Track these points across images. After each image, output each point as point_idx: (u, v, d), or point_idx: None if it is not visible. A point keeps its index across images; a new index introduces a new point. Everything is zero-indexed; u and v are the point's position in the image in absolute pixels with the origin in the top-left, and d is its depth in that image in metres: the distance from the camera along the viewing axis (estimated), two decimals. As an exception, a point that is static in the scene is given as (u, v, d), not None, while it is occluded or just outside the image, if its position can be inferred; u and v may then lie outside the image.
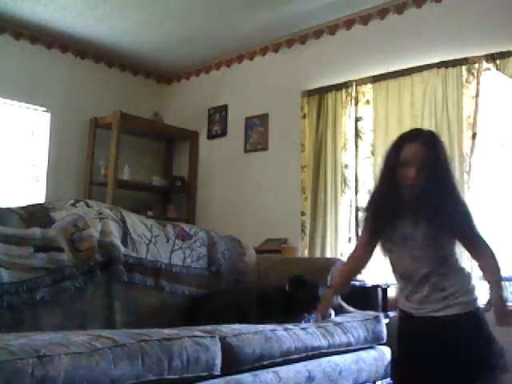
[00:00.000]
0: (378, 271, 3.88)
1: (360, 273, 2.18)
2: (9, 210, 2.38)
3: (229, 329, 2.16)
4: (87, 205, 2.67)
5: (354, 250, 2.20)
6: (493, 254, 1.88)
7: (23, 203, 2.54)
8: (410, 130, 2.03)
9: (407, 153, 1.88)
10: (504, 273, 1.90)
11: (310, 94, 4.53)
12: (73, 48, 5.09)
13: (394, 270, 1.99)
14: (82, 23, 4.63)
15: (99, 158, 5.06)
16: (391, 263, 1.99)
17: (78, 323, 2.27)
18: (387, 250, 1.97)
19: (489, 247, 1.89)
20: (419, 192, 1.85)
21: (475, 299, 1.90)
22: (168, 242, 2.87)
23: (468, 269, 2.01)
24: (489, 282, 1.88)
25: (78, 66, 5.15)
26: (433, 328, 1.86)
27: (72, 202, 2.65)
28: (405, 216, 1.88)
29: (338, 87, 4.35)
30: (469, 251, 1.94)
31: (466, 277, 1.93)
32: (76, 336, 1.68)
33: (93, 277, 2.43)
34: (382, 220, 1.92)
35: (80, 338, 1.65)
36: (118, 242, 2.59)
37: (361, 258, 2.15)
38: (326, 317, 2.49)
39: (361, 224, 2.12)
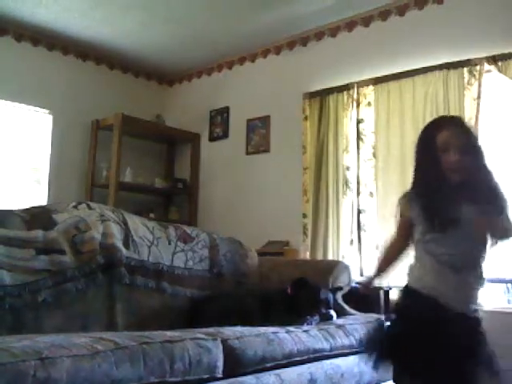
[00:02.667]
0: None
1: (400, 262, 2.09)
2: (11, 212, 2.38)
3: (231, 331, 2.16)
4: (89, 207, 2.67)
5: (394, 239, 2.09)
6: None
7: (25, 205, 2.54)
8: (441, 117, 2.07)
9: (443, 138, 1.87)
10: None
11: (311, 95, 4.53)
12: (74, 50, 5.10)
13: (437, 257, 1.90)
14: (83, 25, 4.64)
15: (101, 160, 5.06)
16: (432, 251, 1.92)
17: (80, 325, 2.27)
18: (432, 237, 1.90)
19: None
20: (467, 175, 1.85)
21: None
22: (170, 244, 2.87)
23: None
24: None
25: (79, 67, 5.16)
26: (463, 325, 1.83)
27: (74, 204, 2.65)
28: (456, 200, 1.83)
29: (339, 89, 4.35)
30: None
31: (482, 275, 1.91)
32: (78, 338, 1.68)
33: (95, 279, 2.42)
34: (436, 205, 1.87)
35: (82, 340, 1.65)
36: (119, 244, 2.59)
37: (402, 246, 2.05)
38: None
39: (398, 212, 2.03)
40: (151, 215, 4.95)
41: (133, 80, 5.62)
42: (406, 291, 1.96)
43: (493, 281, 3.31)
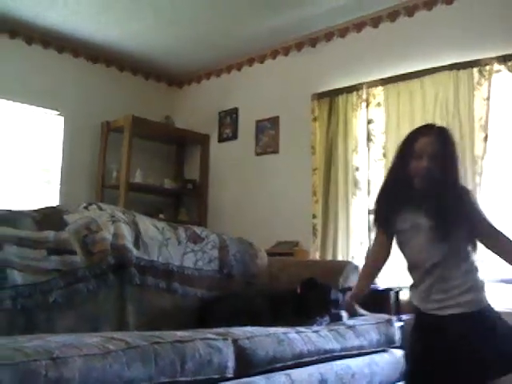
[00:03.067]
0: (391, 274, 3.87)
1: (379, 272, 2.15)
2: (22, 212, 2.39)
3: (241, 331, 2.16)
4: (100, 208, 2.69)
5: (371, 250, 2.18)
6: (507, 237, 1.90)
7: (36, 206, 2.55)
8: (424, 125, 2.10)
9: (420, 144, 1.93)
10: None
11: (320, 96, 4.52)
12: (84, 52, 5.13)
13: (407, 262, 1.98)
14: (93, 27, 4.67)
15: (111, 161, 5.09)
16: (405, 256, 1.98)
17: (91, 326, 2.27)
18: (400, 242, 1.97)
19: (501, 231, 1.92)
20: (430, 182, 1.89)
21: (482, 298, 1.90)
22: (180, 244, 2.87)
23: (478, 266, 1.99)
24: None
25: (89, 69, 5.19)
26: (440, 326, 1.86)
27: (85, 205, 2.67)
28: (416, 205, 1.90)
29: (348, 90, 4.34)
30: (482, 240, 1.93)
31: (473, 273, 1.92)
32: (89, 338, 1.69)
33: (105, 279, 2.43)
34: (394, 207, 1.93)
35: (93, 340, 1.66)
36: (130, 244, 2.60)
37: (379, 256, 2.13)
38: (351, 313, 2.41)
39: (374, 222, 2.11)
40: (161, 216, 4.96)
41: (143, 82, 5.64)
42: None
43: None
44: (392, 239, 2.05)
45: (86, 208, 2.64)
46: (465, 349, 1.79)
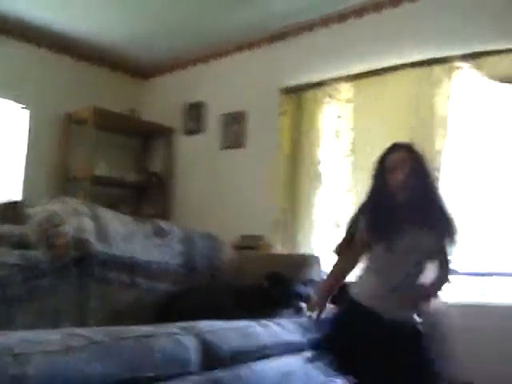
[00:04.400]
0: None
1: (347, 276, 2.16)
2: (-18, 206, 2.34)
3: (206, 325, 2.16)
4: (62, 201, 2.65)
5: (340, 255, 2.16)
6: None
7: (-3, 200, 2.50)
8: (393, 143, 2.17)
9: (392, 160, 2.03)
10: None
11: (288, 91, 4.53)
12: (47, 42, 5.00)
13: (376, 268, 2.01)
14: (56, 16, 4.56)
15: (74, 154, 4.99)
16: (374, 262, 2.01)
17: (52, 321, 2.24)
18: (375, 255, 1.99)
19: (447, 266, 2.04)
20: (412, 195, 1.95)
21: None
22: (144, 238, 2.85)
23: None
24: (431, 286, 2.02)
25: (52, 60, 5.06)
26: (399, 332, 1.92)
27: (47, 198, 2.62)
28: (400, 218, 1.94)
29: (316, 85, 4.35)
30: (439, 260, 2.02)
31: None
32: (51, 334, 1.66)
33: (67, 274, 2.40)
34: (380, 223, 1.96)
35: (55, 335, 1.64)
36: (93, 238, 2.56)
37: (349, 262, 2.13)
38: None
39: (347, 229, 2.12)
40: (125, 209, 4.90)
41: (107, 73, 5.52)
42: (348, 302, 2.03)
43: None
44: (363, 248, 2.05)
45: (48, 201, 2.59)
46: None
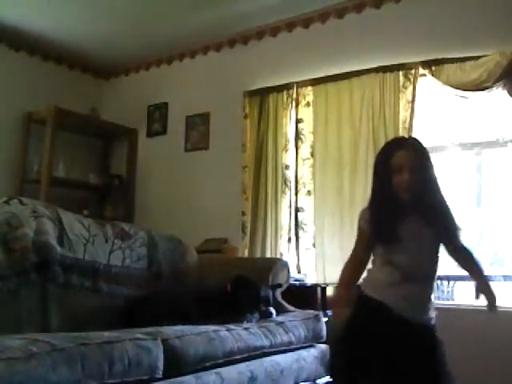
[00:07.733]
0: (318, 271, 3.95)
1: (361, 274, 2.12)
2: None
3: (171, 330, 2.13)
4: (21, 202, 2.55)
5: (354, 256, 2.08)
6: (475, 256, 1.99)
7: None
8: (397, 138, 2.11)
9: (399, 158, 1.93)
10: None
11: (251, 94, 4.54)
12: (6, 39, 4.86)
13: (396, 270, 1.94)
14: (17, 13, 4.44)
15: (33, 154, 4.86)
16: (392, 263, 1.95)
17: (13, 327, 2.16)
18: (391, 251, 1.94)
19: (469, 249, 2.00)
20: (417, 194, 1.91)
21: None
22: (107, 241, 2.78)
23: None
24: (476, 279, 1.95)
25: (11, 57, 4.92)
26: (423, 335, 1.90)
27: (5, 199, 2.53)
28: (407, 217, 1.91)
29: (279, 88, 4.38)
30: (452, 253, 1.99)
31: None
32: (11, 340, 1.60)
33: (27, 278, 2.31)
34: (388, 224, 1.93)
35: (16, 342, 1.58)
36: (53, 241, 2.48)
37: (362, 262, 2.07)
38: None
39: (359, 229, 2.06)
40: (85, 212, 4.80)
41: (68, 72, 5.41)
42: (363, 300, 1.98)
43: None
44: (374, 248, 2.03)
45: (6, 203, 2.49)
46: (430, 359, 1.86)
